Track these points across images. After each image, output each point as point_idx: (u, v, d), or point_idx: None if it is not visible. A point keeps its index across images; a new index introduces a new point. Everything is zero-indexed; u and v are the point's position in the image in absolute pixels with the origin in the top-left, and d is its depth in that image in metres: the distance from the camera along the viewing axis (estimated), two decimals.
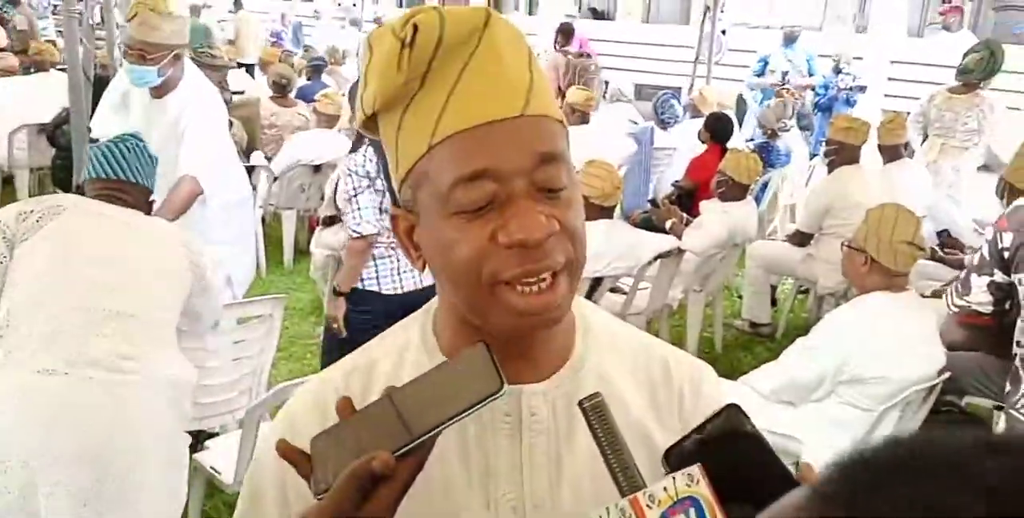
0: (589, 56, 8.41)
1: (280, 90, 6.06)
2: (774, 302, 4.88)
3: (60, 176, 5.20)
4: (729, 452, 0.62)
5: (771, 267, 4.58)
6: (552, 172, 0.68)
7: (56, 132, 5.39)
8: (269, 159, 5.45)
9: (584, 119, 5.61)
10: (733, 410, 0.64)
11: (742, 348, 4.52)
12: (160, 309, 1.80)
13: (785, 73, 8.49)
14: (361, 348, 0.84)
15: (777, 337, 4.57)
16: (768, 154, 5.69)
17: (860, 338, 2.42)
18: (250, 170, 5.21)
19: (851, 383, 2.44)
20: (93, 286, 1.70)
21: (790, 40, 8.64)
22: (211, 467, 2.36)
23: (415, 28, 0.67)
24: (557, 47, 8.55)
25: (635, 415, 0.80)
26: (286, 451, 0.67)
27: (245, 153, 5.61)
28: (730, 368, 3.79)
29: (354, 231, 2.65)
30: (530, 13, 14.99)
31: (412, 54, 0.68)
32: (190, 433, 2.72)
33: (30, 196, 5.91)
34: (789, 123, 6.14)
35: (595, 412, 0.64)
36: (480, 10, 0.70)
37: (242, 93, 7.04)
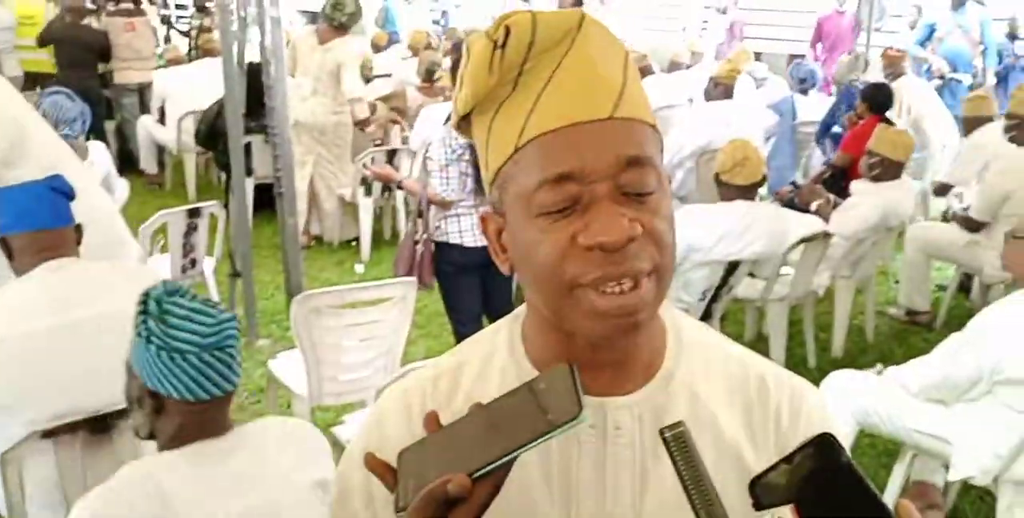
0: None
1: (429, 78, 6.15)
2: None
3: (222, 161, 5.51)
4: (820, 486, 0.57)
5: (932, 252, 4.26)
6: (638, 176, 0.68)
7: (217, 119, 5.70)
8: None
9: (728, 93, 5.36)
10: (827, 439, 0.58)
11: (896, 338, 4.23)
12: None
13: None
14: (452, 351, 0.85)
15: (936, 327, 4.26)
16: None
17: (1018, 336, 2.19)
18: (392, 153, 5.37)
19: (1009, 384, 2.21)
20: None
21: (960, 3, 7.91)
22: (347, 441, 2.45)
23: (507, 30, 0.68)
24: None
25: (728, 434, 0.76)
26: (373, 465, 0.68)
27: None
28: (881, 359, 3.55)
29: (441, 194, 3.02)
30: None
31: (504, 56, 0.69)
32: (332, 408, 2.84)
33: (197, 177, 6.29)
34: None
35: (677, 442, 0.62)
36: (574, 12, 0.70)
37: (388, 76, 7.23)
